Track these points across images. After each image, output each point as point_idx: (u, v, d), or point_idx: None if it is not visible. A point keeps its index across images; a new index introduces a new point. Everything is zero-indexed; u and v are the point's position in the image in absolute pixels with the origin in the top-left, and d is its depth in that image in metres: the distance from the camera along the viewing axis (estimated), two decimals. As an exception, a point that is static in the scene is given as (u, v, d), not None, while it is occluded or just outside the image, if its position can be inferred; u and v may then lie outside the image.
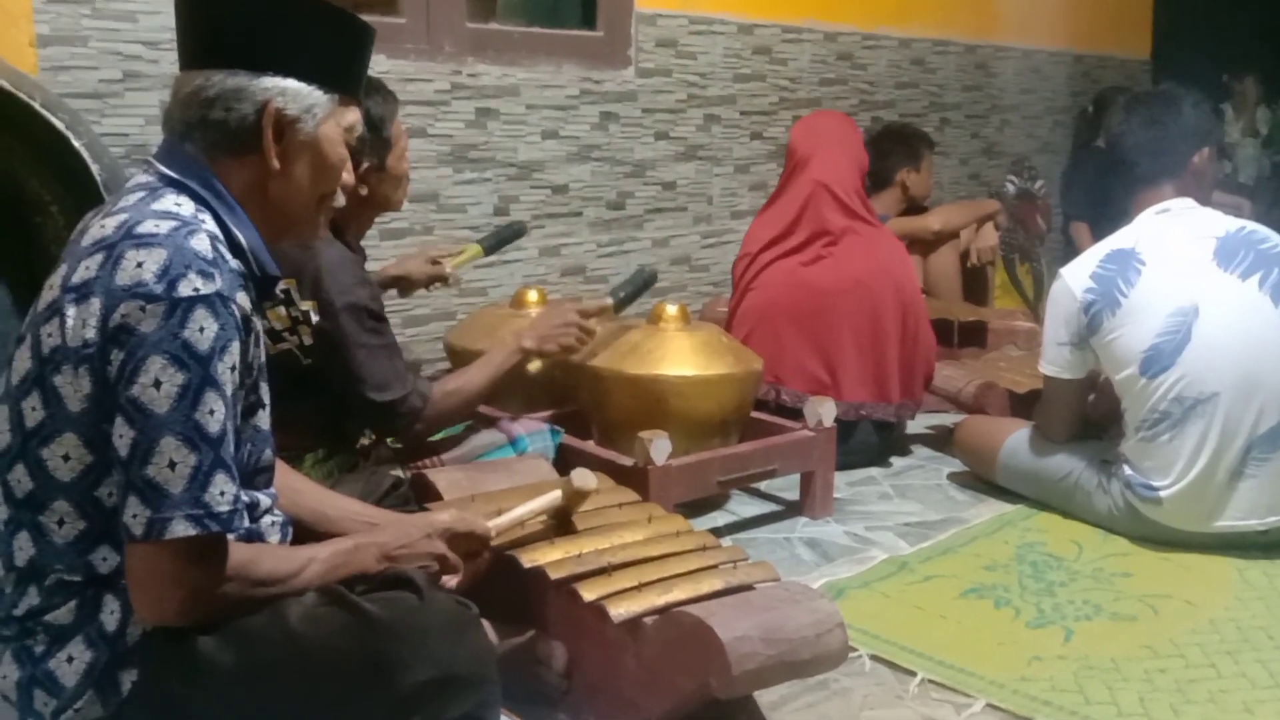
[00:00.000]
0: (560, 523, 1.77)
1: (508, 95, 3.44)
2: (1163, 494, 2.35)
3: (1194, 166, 2.52)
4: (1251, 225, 2.47)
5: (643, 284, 2.61)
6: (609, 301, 2.51)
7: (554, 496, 1.73)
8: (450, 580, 1.46)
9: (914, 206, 4.01)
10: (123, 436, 1.14)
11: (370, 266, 2.72)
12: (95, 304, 1.16)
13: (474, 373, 2.20)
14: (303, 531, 1.45)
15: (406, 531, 1.43)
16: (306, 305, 1.94)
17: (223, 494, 1.16)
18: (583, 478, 1.73)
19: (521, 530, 1.72)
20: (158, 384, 1.13)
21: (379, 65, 3.08)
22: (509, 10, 3.99)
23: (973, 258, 3.97)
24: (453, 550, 1.46)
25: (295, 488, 1.54)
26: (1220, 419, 2.29)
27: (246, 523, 1.22)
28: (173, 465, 1.13)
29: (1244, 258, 2.38)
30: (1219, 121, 5.85)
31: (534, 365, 2.31)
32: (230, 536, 1.21)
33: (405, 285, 2.66)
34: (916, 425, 3.19)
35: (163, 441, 1.13)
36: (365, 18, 1.40)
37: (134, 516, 1.13)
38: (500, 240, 2.91)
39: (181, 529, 1.13)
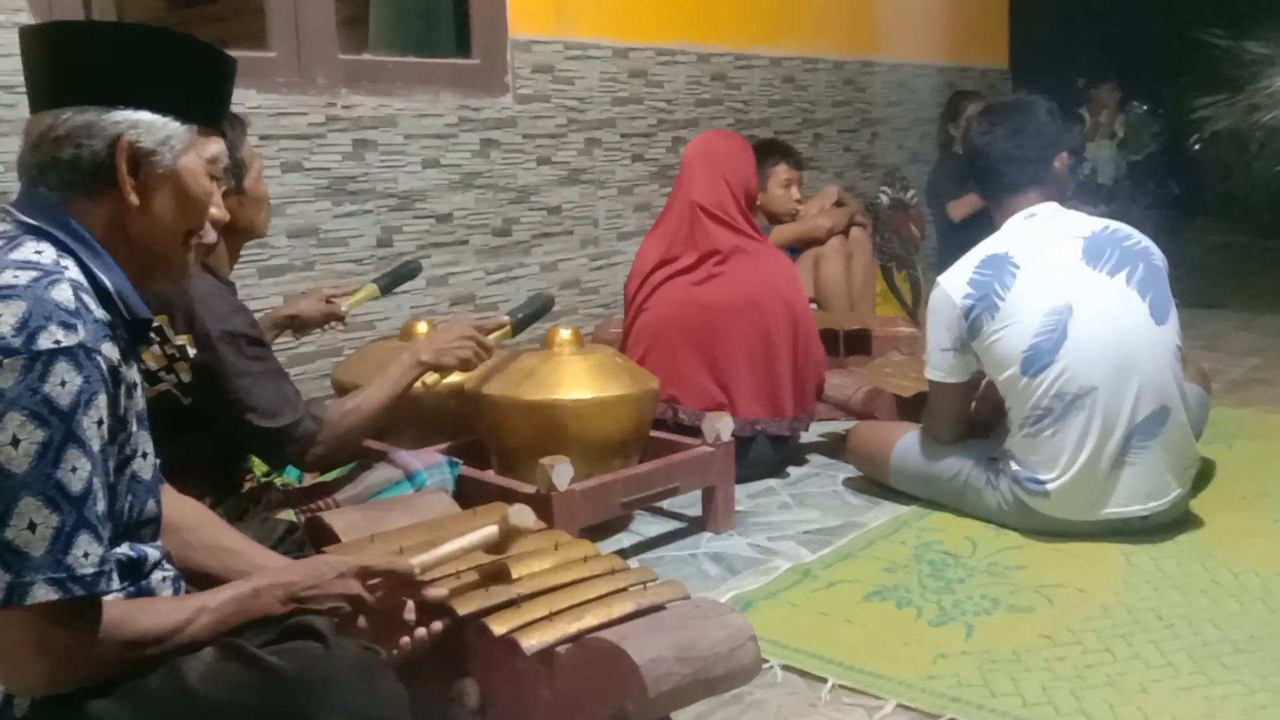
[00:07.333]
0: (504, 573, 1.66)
1: (385, 126, 3.41)
2: (1050, 487, 2.43)
3: (1055, 172, 2.62)
4: (1114, 224, 2.57)
5: (540, 308, 2.61)
6: (506, 320, 2.49)
7: (488, 533, 1.62)
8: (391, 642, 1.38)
9: (777, 219, 4.07)
10: None
11: (254, 305, 2.65)
12: None
13: (373, 390, 2.15)
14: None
15: (317, 571, 1.34)
16: (181, 340, 1.88)
17: (86, 555, 1.10)
18: (520, 515, 1.64)
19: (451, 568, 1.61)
20: (16, 442, 1.07)
21: (249, 100, 3.02)
22: (381, 40, 3.95)
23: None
24: (370, 591, 1.38)
25: (225, 547, 1.46)
26: (1100, 411, 2.38)
27: (116, 584, 1.15)
28: (33, 527, 1.07)
29: (1110, 255, 2.48)
30: (1074, 125, 6.16)
31: (432, 379, 2.27)
32: (115, 596, 1.15)
33: (299, 325, 2.60)
34: (810, 434, 3.25)
35: (22, 502, 1.07)
36: (234, 52, 1.37)
37: None
38: (396, 279, 2.88)
39: (43, 594, 1.07)
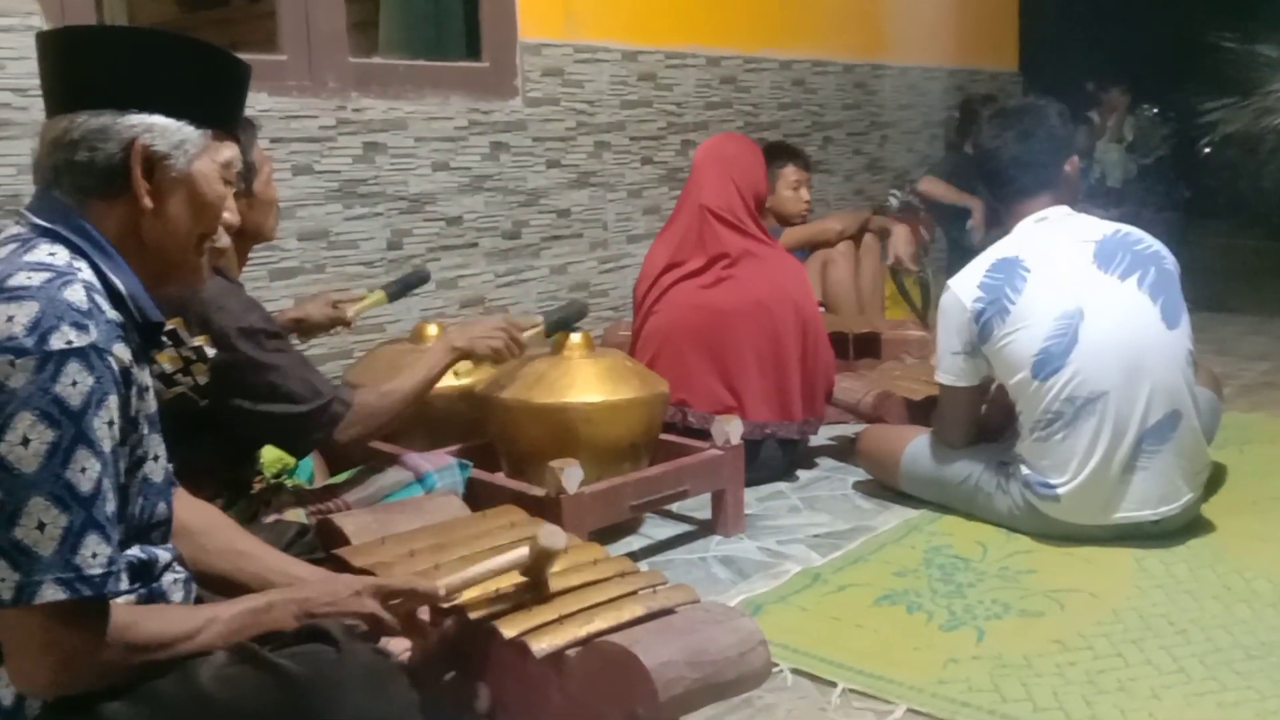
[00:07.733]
0: (528, 585, 1.62)
1: (395, 129, 3.41)
2: (1060, 491, 2.43)
3: (1066, 175, 2.62)
4: (1125, 228, 2.57)
5: (574, 314, 2.65)
6: (540, 322, 2.52)
7: (519, 555, 1.60)
8: (395, 645, 1.39)
9: (786, 221, 4.07)
10: None
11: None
12: None
13: (408, 374, 2.18)
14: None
15: (333, 589, 1.35)
16: (199, 341, 1.88)
17: (95, 556, 1.10)
18: (551, 537, 1.60)
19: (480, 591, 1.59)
20: (26, 441, 1.08)
21: (260, 103, 3.03)
22: (391, 44, 3.96)
23: (890, 258, 4.20)
24: (391, 612, 1.38)
25: (239, 550, 1.46)
26: (1111, 415, 2.37)
27: (124, 585, 1.16)
28: (42, 526, 1.08)
29: (1122, 259, 2.47)
30: (1085, 129, 6.15)
31: (464, 367, 2.30)
32: (126, 598, 1.15)
33: (305, 328, 2.61)
34: (819, 437, 3.24)
35: (31, 502, 1.08)
36: (245, 56, 1.37)
37: (2, 581, 1.08)
38: (405, 287, 2.87)
39: (51, 593, 1.08)
